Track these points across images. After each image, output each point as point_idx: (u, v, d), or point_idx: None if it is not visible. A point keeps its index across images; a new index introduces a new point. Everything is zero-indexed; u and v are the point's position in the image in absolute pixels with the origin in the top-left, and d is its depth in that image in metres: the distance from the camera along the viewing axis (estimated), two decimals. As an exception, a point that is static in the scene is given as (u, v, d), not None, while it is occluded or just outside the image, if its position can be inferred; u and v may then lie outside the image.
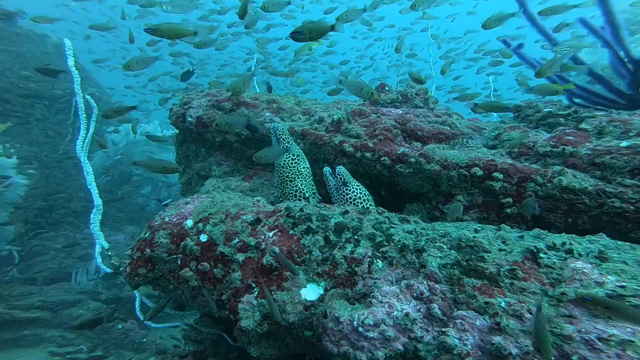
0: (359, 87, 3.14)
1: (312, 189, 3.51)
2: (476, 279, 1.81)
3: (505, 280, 1.74)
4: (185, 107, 4.71)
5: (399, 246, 2.25)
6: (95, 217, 3.61)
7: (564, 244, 1.82)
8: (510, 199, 2.76)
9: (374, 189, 3.49)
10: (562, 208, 2.56)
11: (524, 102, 4.06)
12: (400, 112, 3.84)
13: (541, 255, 1.78)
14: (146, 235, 3.05)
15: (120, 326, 8.15)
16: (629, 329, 1.49)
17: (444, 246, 2.08)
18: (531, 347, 1.51)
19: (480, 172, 2.86)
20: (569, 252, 1.77)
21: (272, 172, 4.32)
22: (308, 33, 2.88)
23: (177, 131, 5.24)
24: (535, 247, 1.81)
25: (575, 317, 1.58)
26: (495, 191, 2.81)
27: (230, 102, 4.44)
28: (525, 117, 3.62)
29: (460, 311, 1.74)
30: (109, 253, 3.71)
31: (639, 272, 1.67)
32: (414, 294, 1.97)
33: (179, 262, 2.89)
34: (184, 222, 2.99)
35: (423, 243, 2.18)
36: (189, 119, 4.53)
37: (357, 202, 3.06)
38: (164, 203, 3.32)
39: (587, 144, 2.69)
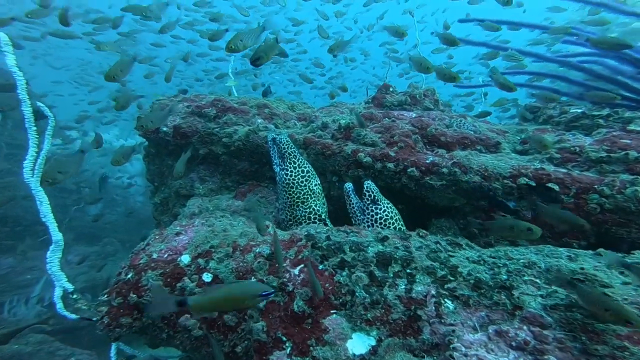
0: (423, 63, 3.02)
1: (325, 208, 3.02)
2: (615, 325, 1.40)
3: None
4: (159, 115, 4.05)
5: (472, 282, 1.81)
6: (54, 255, 2.89)
7: None
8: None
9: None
10: (638, 222, 2.24)
11: (538, 103, 3.81)
12: (414, 115, 3.44)
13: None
14: (128, 276, 2.41)
15: (73, 359, 7.11)
16: None
17: (538, 281, 1.67)
18: None
19: (530, 183, 2.50)
20: None
21: (268, 187, 3.77)
22: (265, 55, 2.80)
23: (146, 142, 4.54)
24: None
25: None
26: (549, 204, 2.46)
27: (214, 107, 3.85)
28: (549, 119, 3.34)
29: (607, 369, 1.32)
30: (75, 296, 3.01)
31: None
32: (513, 343, 1.53)
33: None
34: (179, 259, 2.40)
35: (505, 277, 1.75)
36: (164, 129, 3.88)
37: (389, 224, 2.60)
38: None
39: (651, 147, 2.41)
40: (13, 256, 9.26)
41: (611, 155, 2.47)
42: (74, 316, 3.07)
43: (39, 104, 2.92)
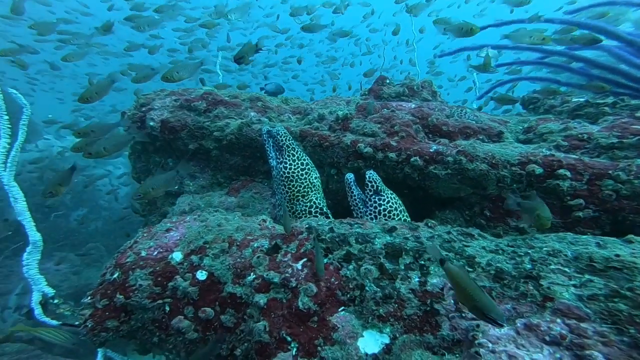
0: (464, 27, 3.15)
1: (325, 201, 2.86)
2: None
3: None
4: (144, 109, 3.84)
5: (492, 272, 1.68)
6: (32, 257, 2.66)
7: None
8: (581, 200, 2.31)
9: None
10: (656, 208, 2.16)
11: (536, 94, 3.74)
12: (414, 105, 3.32)
13: None
14: (114, 276, 2.22)
15: (54, 372, 6.71)
16: None
17: (567, 269, 1.54)
18: None
19: (539, 170, 2.39)
20: None
21: (263, 182, 3.60)
22: (246, 55, 3.30)
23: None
24: None
25: None
26: (562, 192, 2.35)
27: (204, 100, 3.66)
28: (551, 109, 3.26)
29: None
30: (56, 301, 2.78)
31: None
32: (546, 338, 1.40)
33: (167, 308, 2.12)
34: (170, 256, 2.22)
35: (529, 266, 1.62)
36: (151, 124, 3.68)
37: (394, 215, 2.46)
38: None
39: (663, 132, 2.34)
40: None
41: (623, 141, 2.38)
42: (55, 322, 2.84)
43: (12, 91, 2.69)
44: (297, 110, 3.82)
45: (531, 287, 1.52)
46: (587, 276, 1.48)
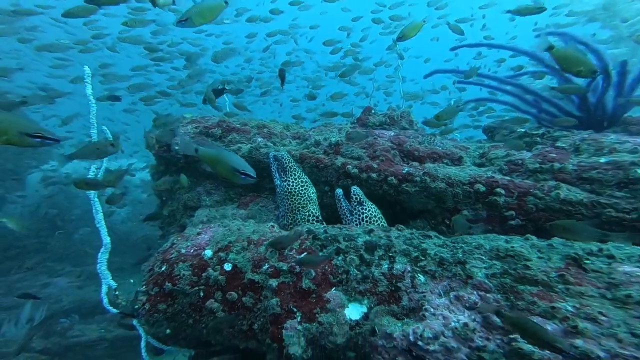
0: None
1: (319, 212, 3.60)
2: (530, 286, 2.02)
3: (559, 286, 1.97)
4: (169, 134, 4.58)
5: (437, 260, 2.41)
6: (103, 256, 3.40)
7: (601, 250, 2.11)
8: (513, 212, 3.08)
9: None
10: (560, 218, 2.92)
11: (494, 124, 4.54)
12: (393, 133, 4.09)
13: (585, 261, 2.04)
14: (162, 269, 2.92)
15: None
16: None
17: (484, 257, 2.28)
18: (617, 349, 1.63)
19: (483, 189, 3.16)
20: (611, 257, 2.05)
21: (268, 197, 4.33)
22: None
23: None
24: (575, 253, 2.07)
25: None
26: (499, 205, 3.12)
27: (220, 127, 4.41)
28: (502, 137, 4.05)
29: (524, 318, 1.92)
30: (117, 292, 3.48)
31: None
32: (466, 305, 2.13)
33: (201, 293, 2.81)
34: (203, 253, 2.91)
35: (460, 255, 2.36)
36: (176, 147, 4.41)
37: (373, 221, 3.21)
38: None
39: (570, 160, 3.12)
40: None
41: (542, 166, 3.16)
42: (114, 310, 3.53)
43: (104, 128, 3.48)
44: (296, 136, 4.58)
45: (459, 270, 2.25)
46: (493, 261, 2.22)
